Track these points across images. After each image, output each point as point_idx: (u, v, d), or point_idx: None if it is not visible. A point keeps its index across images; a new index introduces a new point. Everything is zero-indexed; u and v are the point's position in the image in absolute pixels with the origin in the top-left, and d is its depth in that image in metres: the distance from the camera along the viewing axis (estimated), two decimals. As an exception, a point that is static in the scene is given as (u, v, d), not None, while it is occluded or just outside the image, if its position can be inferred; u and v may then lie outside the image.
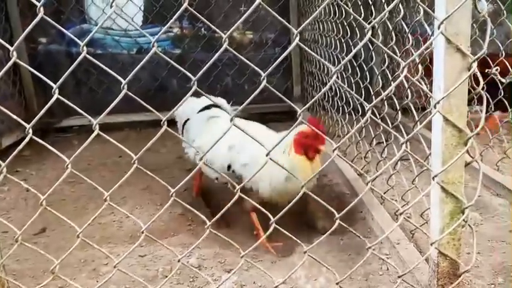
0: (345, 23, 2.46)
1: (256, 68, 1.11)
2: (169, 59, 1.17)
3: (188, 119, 2.48)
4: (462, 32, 1.12)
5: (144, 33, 1.12)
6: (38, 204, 2.67)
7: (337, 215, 1.20)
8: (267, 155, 1.19)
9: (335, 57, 2.75)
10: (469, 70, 1.15)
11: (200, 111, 2.44)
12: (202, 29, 4.16)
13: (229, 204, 1.23)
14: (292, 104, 1.18)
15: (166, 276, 1.78)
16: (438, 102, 1.16)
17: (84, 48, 1.07)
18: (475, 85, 1.20)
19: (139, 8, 4.06)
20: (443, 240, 1.27)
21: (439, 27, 1.11)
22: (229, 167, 2.09)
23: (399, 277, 1.33)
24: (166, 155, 3.30)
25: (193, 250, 1.96)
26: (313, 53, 1.18)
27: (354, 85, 2.43)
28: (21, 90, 3.95)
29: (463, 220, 1.26)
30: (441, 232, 1.26)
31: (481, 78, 1.31)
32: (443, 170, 1.19)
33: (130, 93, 1.10)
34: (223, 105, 2.45)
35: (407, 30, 1.65)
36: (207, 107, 2.44)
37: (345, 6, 1.19)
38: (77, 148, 1.13)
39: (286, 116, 4.13)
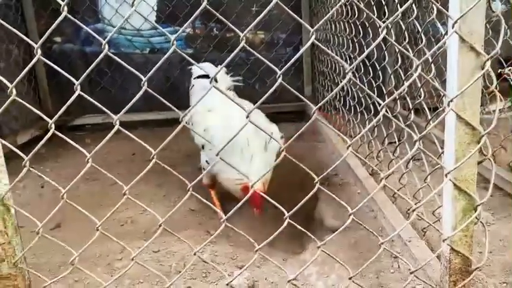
0: (358, 23, 2.48)
1: (272, 66, 1.13)
2: (187, 57, 1.19)
3: (193, 85, 2.75)
4: (476, 31, 1.13)
5: (164, 32, 1.14)
6: (55, 200, 2.72)
7: (350, 211, 1.22)
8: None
9: (347, 56, 2.77)
10: (482, 69, 1.16)
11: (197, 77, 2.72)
12: (215, 29, 4.20)
13: (244, 199, 1.25)
14: (307, 101, 1.20)
15: (180, 272, 1.81)
16: (452, 100, 1.17)
17: (106, 46, 1.10)
18: (488, 84, 1.21)
19: (153, 8, 4.11)
20: (456, 237, 1.28)
21: (453, 26, 1.13)
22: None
23: (411, 273, 1.34)
24: (178, 153, 3.34)
25: (206, 246, 2.00)
26: (329, 51, 1.20)
27: (366, 85, 2.44)
28: (36, 88, 4.03)
29: (476, 217, 1.27)
30: (453, 229, 1.28)
31: (494, 78, 1.32)
32: (456, 167, 1.21)
33: (150, 90, 1.13)
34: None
35: (420, 30, 1.66)
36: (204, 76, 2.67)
37: (360, 5, 1.20)
38: (91, 146, 1.16)
39: (297, 116, 4.16)
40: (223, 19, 1.09)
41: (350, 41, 2.68)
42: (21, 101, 1.16)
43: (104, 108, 1.15)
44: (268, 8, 1.10)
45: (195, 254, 1.25)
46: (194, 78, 2.80)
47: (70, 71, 1.10)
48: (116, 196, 2.68)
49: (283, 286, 1.74)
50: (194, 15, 1.08)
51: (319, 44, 1.11)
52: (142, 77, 1.12)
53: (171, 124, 3.74)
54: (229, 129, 1.92)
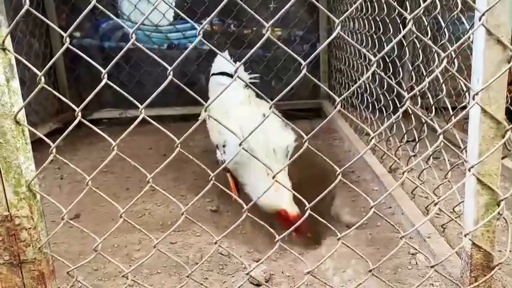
0: (378, 19, 2.47)
1: (297, 57, 1.14)
2: (211, 46, 1.21)
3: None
4: (503, 24, 1.12)
5: (195, 25, 1.14)
6: (74, 191, 2.74)
7: (372, 203, 1.22)
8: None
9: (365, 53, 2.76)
10: (508, 62, 1.16)
11: (214, 74, 2.69)
12: (232, 26, 4.21)
13: (266, 190, 1.26)
14: (330, 92, 1.20)
15: (197, 263, 1.82)
16: (477, 94, 1.17)
17: (133, 35, 1.12)
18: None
19: (171, 4, 4.14)
20: (478, 232, 1.28)
21: (480, 19, 1.12)
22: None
23: (431, 267, 1.34)
24: (194, 149, 3.36)
25: (222, 241, 2.01)
26: (352, 42, 1.20)
27: (385, 82, 2.43)
28: (55, 81, 4.10)
29: (498, 213, 1.27)
30: (475, 224, 1.27)
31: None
32: (480, 161, 1.20)
33: (175, 80, 1.15)
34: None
35: (443, 26, 1.65)
36: (222, 73, 2.64)
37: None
38: (110, 138, 1.19)
39: (312, 113, 4.16)
40: (254, 13, 1.10)
41: (369, 37, 2.67)
42: (49, 89, 1.19)
43: (131, 98, 1.16)
44: (290, 2, 1.11)
45: (215, 243, 1.27)
46: (211, 75, 2.77)
47: (89, 66, 1.13)
48: (132, 189, 2.72)
49: (299, 280, 1.74)
50: (218, 8, 1.09)
51: (345, 36, 1.11)
52: (168, 66, 1.14)
53: (187, 119, 3.78)
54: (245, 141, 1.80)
